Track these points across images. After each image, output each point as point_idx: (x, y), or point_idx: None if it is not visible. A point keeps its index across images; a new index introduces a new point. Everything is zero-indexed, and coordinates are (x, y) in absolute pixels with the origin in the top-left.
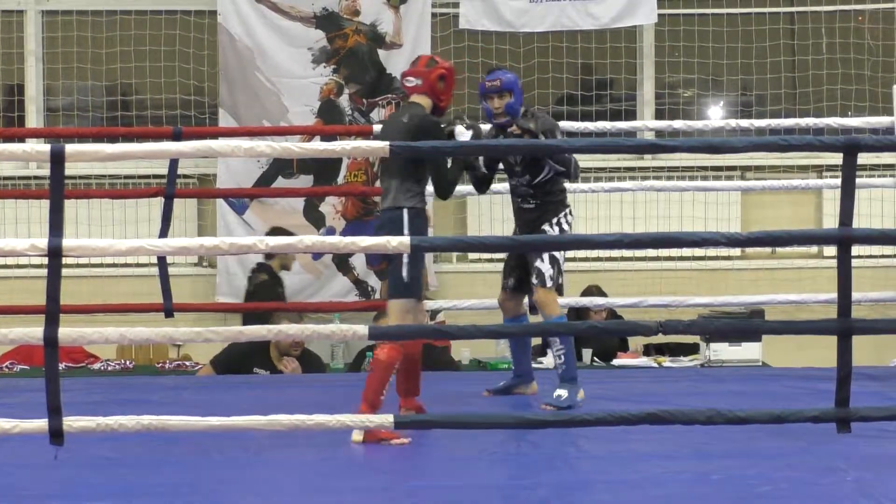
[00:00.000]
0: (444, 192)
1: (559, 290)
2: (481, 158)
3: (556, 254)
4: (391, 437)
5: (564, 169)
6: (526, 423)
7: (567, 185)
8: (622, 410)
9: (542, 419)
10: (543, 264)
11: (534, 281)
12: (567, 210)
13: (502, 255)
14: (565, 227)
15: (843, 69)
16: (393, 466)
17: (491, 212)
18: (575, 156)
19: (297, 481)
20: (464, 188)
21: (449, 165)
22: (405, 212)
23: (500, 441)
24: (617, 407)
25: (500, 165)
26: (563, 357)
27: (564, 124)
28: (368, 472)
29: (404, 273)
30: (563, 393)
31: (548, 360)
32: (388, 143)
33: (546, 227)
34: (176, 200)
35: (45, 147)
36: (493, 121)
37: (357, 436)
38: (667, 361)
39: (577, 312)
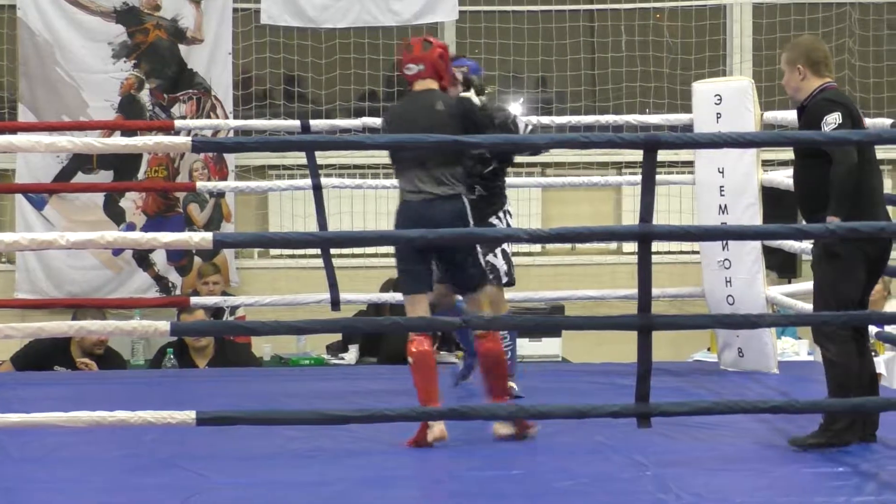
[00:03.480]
0: None
1: (510, 283)
2: None
3: (507, 247)
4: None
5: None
6: (328, 418)
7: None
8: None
9: (343, 415)
10: (497, 259)
11: (490, 276)
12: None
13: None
14: (510, 219)
15: (641, 67)
16: (193, 464)
17: (293, 208)
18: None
19: (99, 478)
20: (264, 184)
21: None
22: (465, 200)
23: (302, 438)
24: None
25: None
26: (510, 353)
27: (365, 121)
28: (170, 469)
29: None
30: (514, 385)
31: (349, 357)
32: (189, 138)
33: (493, 219)
34: None
35: None
36: None
37: (503, 429)
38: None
39: (377, 309)
